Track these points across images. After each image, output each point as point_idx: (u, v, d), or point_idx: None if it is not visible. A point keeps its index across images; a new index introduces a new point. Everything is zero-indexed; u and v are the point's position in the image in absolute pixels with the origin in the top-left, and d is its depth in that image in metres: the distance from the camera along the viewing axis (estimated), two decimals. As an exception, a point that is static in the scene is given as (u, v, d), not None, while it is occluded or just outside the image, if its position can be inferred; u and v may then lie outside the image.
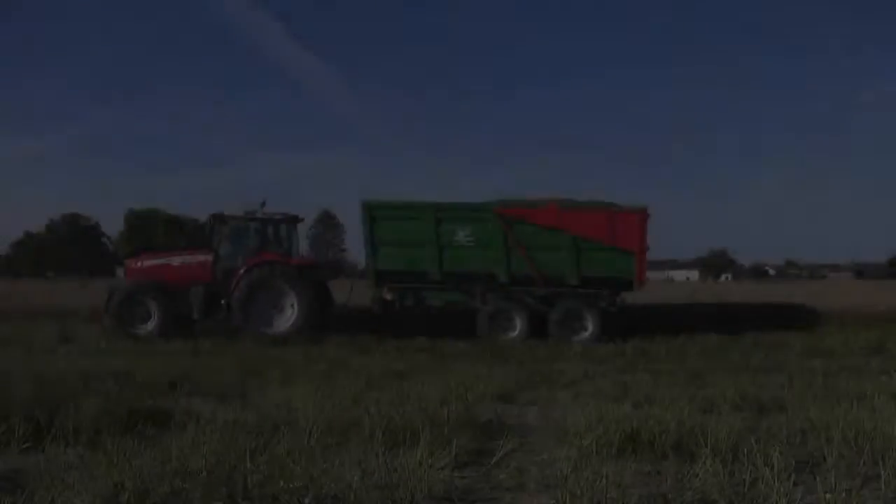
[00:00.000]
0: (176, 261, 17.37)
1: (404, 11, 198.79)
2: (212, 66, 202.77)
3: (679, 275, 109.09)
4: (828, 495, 4.44)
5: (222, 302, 16.44)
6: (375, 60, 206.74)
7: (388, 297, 16.59)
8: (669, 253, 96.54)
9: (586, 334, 16.06)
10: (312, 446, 5.59)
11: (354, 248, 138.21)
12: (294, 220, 17.68)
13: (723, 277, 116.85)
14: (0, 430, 5.87)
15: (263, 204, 17.18)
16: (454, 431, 6.29)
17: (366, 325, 16.78)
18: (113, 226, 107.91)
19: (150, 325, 16.29)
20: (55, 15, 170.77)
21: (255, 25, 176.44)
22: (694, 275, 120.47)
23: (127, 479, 4.58)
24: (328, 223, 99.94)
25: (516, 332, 16.14)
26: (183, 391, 8.64)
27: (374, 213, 16.44)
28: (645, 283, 16.70)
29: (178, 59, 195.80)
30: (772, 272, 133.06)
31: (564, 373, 11.30)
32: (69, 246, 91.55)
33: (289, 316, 16.37)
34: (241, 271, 16.38)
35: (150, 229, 79.71)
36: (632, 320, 17.74)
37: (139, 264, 17.51)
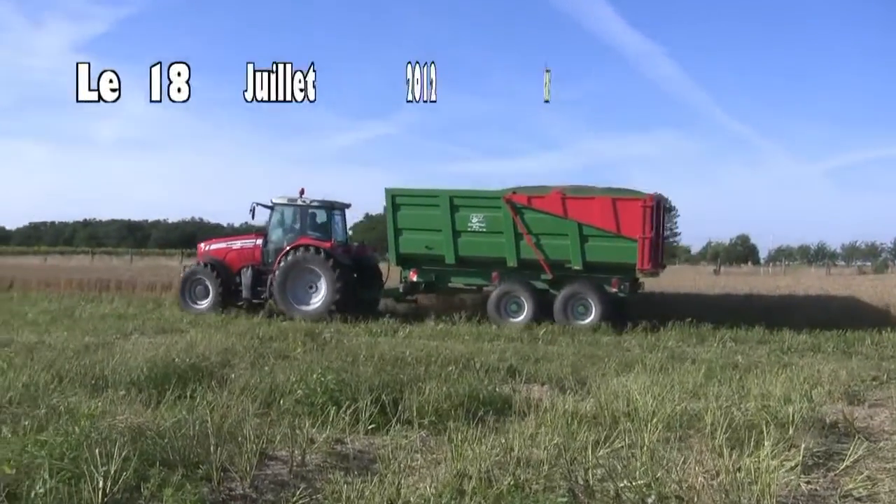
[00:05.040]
0: (237, 244, 19.01)
1: None
2: (546, 49, 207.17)
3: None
4: None
5: (267, 281, 17.79)
6: (708, 41, 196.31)
7: (414, 278, 17.68)
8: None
9: (590, 318, 16.35)
10: (654, 442, 5.73)
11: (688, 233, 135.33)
12: (333, 207, 18.77)
13: None
14: (350, 412, 6.35)
15: (302, 192, 18.36)
16: (799, 432, 6.26)
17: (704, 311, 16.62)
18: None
19: (206, 303, 18.12)
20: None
21: (586, 7, 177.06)
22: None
23: (470, 467, 4.99)
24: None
25: (523, 315, 16.77)
26: (522, 378, 9.07)
27: (395, 200, 17.50)
28: (649, 270, 16.43)
29: (513, 44, 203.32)
30: None
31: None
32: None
33: (321, 296, 17.42)
34: (282, 254, 17.64)
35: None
36: None
37: (207, 247, 19.41)
